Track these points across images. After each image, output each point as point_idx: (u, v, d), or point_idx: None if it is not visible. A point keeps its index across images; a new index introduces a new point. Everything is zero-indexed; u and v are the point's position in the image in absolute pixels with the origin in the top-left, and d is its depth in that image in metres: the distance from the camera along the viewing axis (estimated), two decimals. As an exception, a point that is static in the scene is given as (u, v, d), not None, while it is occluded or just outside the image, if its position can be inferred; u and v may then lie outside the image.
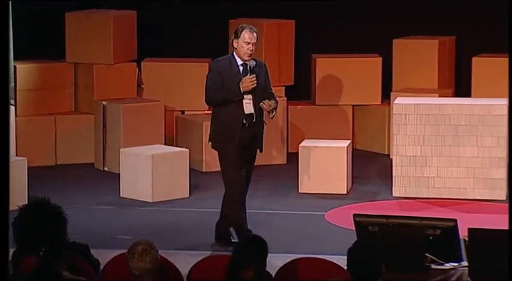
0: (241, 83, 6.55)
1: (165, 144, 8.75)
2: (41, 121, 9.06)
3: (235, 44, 6.59)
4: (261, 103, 6.57)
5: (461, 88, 9.51)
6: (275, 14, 9.49)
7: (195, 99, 9.38)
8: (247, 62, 6.61)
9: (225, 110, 6.61)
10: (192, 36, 9.76)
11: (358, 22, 9.62)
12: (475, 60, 9.22)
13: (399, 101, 8.05)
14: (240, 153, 6.64)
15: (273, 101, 6.59)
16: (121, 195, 8.02)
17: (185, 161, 8.08)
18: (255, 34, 6.60)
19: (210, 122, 6.81)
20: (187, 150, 8.23)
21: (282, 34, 9.47)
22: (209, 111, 9.48)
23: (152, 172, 7.91)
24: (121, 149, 8.26)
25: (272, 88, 6.80)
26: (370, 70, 9.34)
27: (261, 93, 6.63)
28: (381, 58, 9.37)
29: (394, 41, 9.36)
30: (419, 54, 9.32)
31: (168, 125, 9.05)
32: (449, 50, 9.54)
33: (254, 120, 6.60)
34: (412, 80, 9.32)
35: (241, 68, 6.62)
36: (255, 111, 6.59)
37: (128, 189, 8.01)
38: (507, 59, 9.22)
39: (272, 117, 6.70)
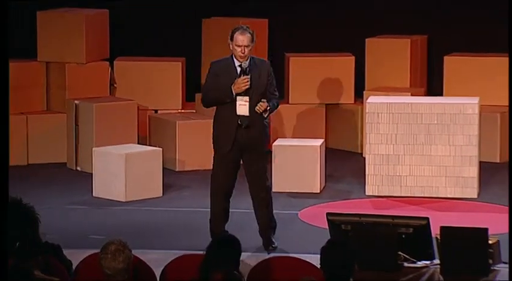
0: (233, 84, 6.50)
1: (138, 143, 8.72)
2: (13, 121, 9.00)
3: (230, 46, 6.53)
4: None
5: (433, 87, 9.57)
6: (248, 13, 9.49)
7: (168, 99, 9.36)
8: (246, 63, 6.52)
9: (221, 111, 6.57)
10: (165, 35, 9.74)
11: (331, 21, 9.65)
12: (447, 59, 9.28)
13: (372, 100, 8.09)
14: (233, 155, 6.53)
15: (265, 102, 6.45)
16: (94, 195, 7.99)
17: (158, 160, 8.06)
18: (247, 35, 6.47)
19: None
20: (161, 149, 8.21)
21: (255, 33, 9.46)
22: (182, 111, 9.50)
23: (125, 171, 7.89)
24: (94, 149, 8.23)
25: (275, 91, 6.61)
26: (343, 69, 9.37)
27: (260, 94, 6.50)
28: (353, 57, 9.40)
29: (366, 40, 9.39)
30: (392, 53, 9.37)
31: (141, 124, 9.02)
32: (422, 49, 9.60)
33: (250, 122, 6.48)
34: (385, 79, 9.36)
35: (238, 70, 6.54)
36: (251, 112, 6.47)
37: (100, 188, 7.98)
38: (479, 58, 9.30)
39: (266, 118, 6.54)
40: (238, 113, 6.49)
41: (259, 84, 6.53)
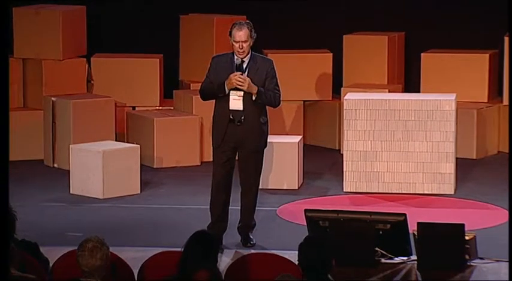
0: (227, 79, 6.47)
1: (116, 140, 8.69)
2: (-11, 117, 8.94)
3: (230, 42, 6.49)
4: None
5: (411, 84, 9.61)
6: (226, 9, 9.48)
7: (146, 95, 9.33)
8: (244, 60, 6.48)
9: (217, 106, 6.54)
10: (143, 31, 9.71)
11: (309, 18, 9.66)
12: (424, 56, 9.32)
13: (349, 97, 8.11)
14: (228, 150, 6.50)
15: (247, 79, 6.34)
16: (71, 192, 7.96)
17: (136, 157, 8.04)
18: (244, 31, 6.40)
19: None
20: (138, 146, 8.19)
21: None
22: (160, 108, 9.47)
23: (103, 168, 7.86)
24: (71, 146, 8.19)
25: (276, 87, 6.51)
26: (321, 66, 9.39)
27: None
28: (331, 54, 9.42)
29: (344, 36, 9.41)
30: (369, 50, 9.39)
31: (118, 121, 9.00)
32: (399, 46, 9.63)
33: (243, 118, 6.45)
34: (362, 76, 9.39)
35: (243, 65, 6.49)
36: (245, 108, 6.42)
37: (78, 185, 7.95)
38: (455, 54, 9.34)
39: (255, 100, 6.41)
40: (230, 107, 6.46)
41: (255, 81, 6.47)
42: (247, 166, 6.55)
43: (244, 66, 6.51)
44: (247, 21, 6.59)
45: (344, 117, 8.05)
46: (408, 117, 7.92)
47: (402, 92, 9.29)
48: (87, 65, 9.28)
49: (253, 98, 6.46)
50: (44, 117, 8.93)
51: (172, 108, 9.25)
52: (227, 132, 6.49)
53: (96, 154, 7.93)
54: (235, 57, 6.50)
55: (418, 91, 9.22)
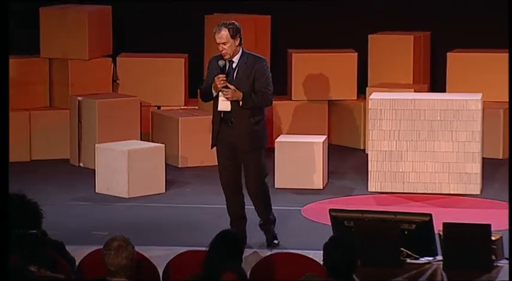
0: (213, 82, 6.48)
1: (141, 139, 8.73)
2: (16, 117, 9.01)
3: None
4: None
5: (436, 83, 9.56)
6: (251, 9, 9.48)
7: (171, 95, 9.36)
8: (233, 60, 6.48)
9: (213, 107, 6.57)
10: (168, 31, 9.74)
11: (334, 17, 9.64)
12: (450, 55, 9.27)
13: (375, 96, 8.08)
14: (226, 151, 6.52)
15: (231, 89, 6.34)
16: (96, 191, 8.00)
17: (161, 156, 8.06)
18: (222, 32, 6.39)
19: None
20: (163, 145, 8.21)
21: (258, 30, 9.47)
22: (185, 107, 9.49)
23: (128, 168, 7.89)
24: (96, 145, 8.23)
25: (266, 87, 6.46)
26: (346, 65, 9.36)
27: (245, 91, 6.41)
28: (356, 53, 9.39)
29: (369, 36, 9.38)
30: (395, 49, 9.36)
31: (143, 120, 9.03)
32: (425, 46, 9.59)
33: (232, 119, 6.47)
34: (388, 75, 9.35)
35: (227, 66, 6.49)
36: (234, 109, 6.43)
37: (103, 185, 7.98)
38: (481, 54, 9.29)
39: (242, 106, 6.40)
40: (219, 108, 6.48)
41: (242, 81, 6.45)
42: (245, 166, 6.57)
43: (234, 66, 6.49)
44: (232, 21, 6.50)
45: (369, 117, 8.03)
46: (434, 117, 7.89)
47: (428, 91, 9.25)
48: (112, 65, 9.32)
49: (240, 104, 6.45)
50: (70, 117, 8.98)
51: (197, 107, 9.28)
52: (220, 132, 6.50)
53: (121, 153, 7.97)
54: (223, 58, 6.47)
55: (444, 91, 9.17)
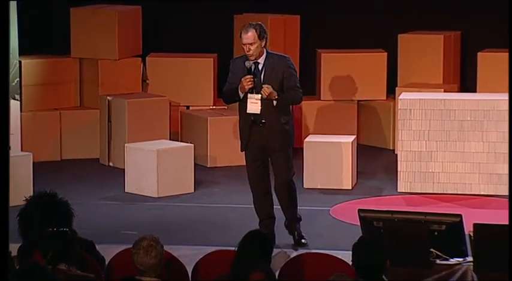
0: (240, 83, 6.46)
1: (170, 139, 8.75)
2: (46, 116, 9.08)
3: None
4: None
5: (467, 83, 9.50)
6: (280, 9, 9.48)
7: (200, 95, 9.38)
8: (259, 61, 6.48)
9: (241, 109, 6.55)
10: (197, 31, 9.76)
11: (364, 17, 9.61)
12: (481, 55, 9.21)
13: (404, 96, 8.05)
14: (255, 152, 6.52)
15: (269, 87, 6.33)
16: (126, 190, 8.03)
17: (190, 156, 8.08)
18: (249, 33, 6.38)
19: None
20: (192, 145, 8.23)
21: (287, 29, 9.46)
22: (214, 107, 9.51)
23: (157, 167, 7.92)
24: (126, 144, 8.27)
25: (296, 85, 6.46)
26: (375, 65, 9.33)
27: (275, 91, 6.40)
28: (386, 53, 9.36)
29: (399, 36, 9.34)
30: (425, 49, 9.31)
31: (173, 120, 9.05)
32: (455, 45, 9.53)
33: (263, 120, 6.44)
34: (417, 75, 9.31)
35: (252, 67, 6.48)
36: (264, 110, 6.40)
37: (132, 184, 8.01)
38: (512, 54, 9.22)
39: (284, 114, 6.47)
40: (248, 111, 6.44)
41: (271, 82, 6.43)
42: (275, 165, 6.56)
43: (260, 67, 6.47)
44: (259, 23, 6.50)
45: (399, 117, 7.99)
46: (464, 117, 7.84)
47: (458, 91, 9.19)
48: (142, 65, 9.36)
49: (274, 103, 6.43)
50: (100, 117, 9.02)
51: (226, 107, 9.28)
52: (251, 134, 6.48)
53: (150, 152, 7.99)
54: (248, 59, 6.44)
55: (474, 91, 9.11)
